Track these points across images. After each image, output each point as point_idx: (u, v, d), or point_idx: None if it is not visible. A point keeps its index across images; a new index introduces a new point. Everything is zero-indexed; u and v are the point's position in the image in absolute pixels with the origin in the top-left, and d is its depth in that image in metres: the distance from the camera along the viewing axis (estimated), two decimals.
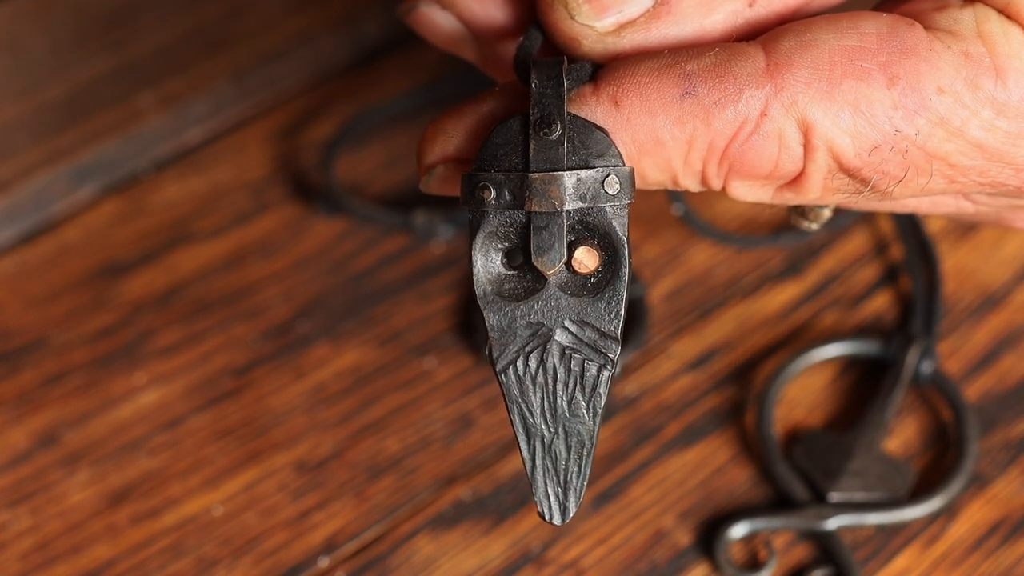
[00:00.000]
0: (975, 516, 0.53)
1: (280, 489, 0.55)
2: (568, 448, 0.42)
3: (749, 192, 0.43)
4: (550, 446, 0.42)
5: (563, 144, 0.40)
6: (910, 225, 0.61)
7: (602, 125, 0.41)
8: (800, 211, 0.47)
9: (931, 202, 0.46)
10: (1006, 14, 0.41)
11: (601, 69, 0.41)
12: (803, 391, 0.57)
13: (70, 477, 0.55)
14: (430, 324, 0.59)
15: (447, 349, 0.58)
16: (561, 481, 0.42)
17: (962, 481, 0.53)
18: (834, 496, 0.53)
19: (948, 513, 0.53)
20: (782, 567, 0.52)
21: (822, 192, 0.42)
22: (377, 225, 0.63)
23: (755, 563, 0.52)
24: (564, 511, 0.42)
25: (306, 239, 0.62)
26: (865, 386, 0.57)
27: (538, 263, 0.41)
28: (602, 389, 0.41)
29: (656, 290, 0.60)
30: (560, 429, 0.42)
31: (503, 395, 0.41)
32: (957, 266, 0.60)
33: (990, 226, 0.49)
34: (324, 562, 0.53)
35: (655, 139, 0.41)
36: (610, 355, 0.41)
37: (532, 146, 0.40)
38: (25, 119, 0.66)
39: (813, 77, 0.40)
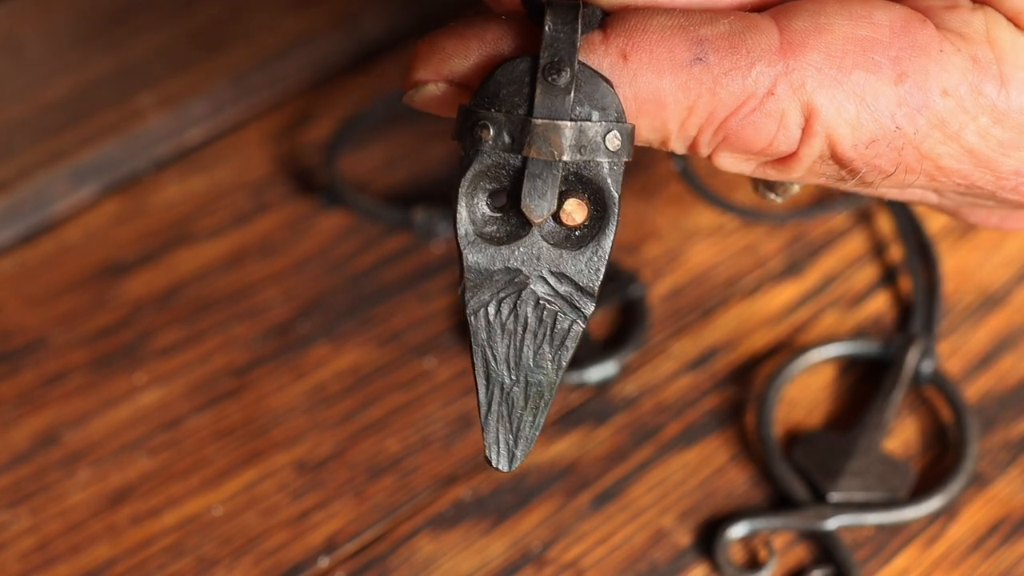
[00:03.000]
0: (975, 516, 0.53)
1: (280, 489, 0.55)
2: (526, 397, 0.41)
3: (734, 164, 0.42)
4: (508, 393, 0.41)
5: (570, 92, 0.39)
6: (910, 225, 0.61)
7: (607, 73, 0.40)
8: (770, 185, 0.46)
9: (901, 193, 0.46)
10: (1016, 23, 0.41)
11: (611, 17, 0.41)
12: (803, 391, 0.57)
13: (70, 477, 0.55)
14: (430, 324, 0.59)
15: (447, 349, 0.58)
16: (513, 428, 0.41)
17: (962, 481, 0.53)
18: (834, 496, 0.53)
19: (948, 513, 0.53)
20: (782, 567, 0.52)
21: (806, 174, 0.42)
22: (377, 224, 0.63)
23: (755, 563, 0.52)
24: (512, 458, 0.41)
25: (306, 239, 0.62)
26: (865, 386, 0.57)
27: (527, 210, 0.40)
28: (570, 343, 0.41)
29: (656, 290, 0.60)
30: (521, 378, 0.41)
31: (469, 337, 0.41)
32: (957, 266, 0.60)
33: (943, 214, 0.49)
34: (324, 562, 0.53)
35: (657, 99, 0.40)
36: (584, 311, 0.41)
37: (539, 90, 0.39)
38: (25, 119, 0.66)
39: (825, 63, 0.40)
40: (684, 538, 0.53)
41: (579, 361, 0.57)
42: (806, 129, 0.40)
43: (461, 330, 0.59)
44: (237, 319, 0.60)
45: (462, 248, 0.41)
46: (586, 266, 0.41)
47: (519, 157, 0.40)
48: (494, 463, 0.41)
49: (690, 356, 0.58)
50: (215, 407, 0.57)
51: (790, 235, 0.61)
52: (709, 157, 0.42)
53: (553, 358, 0.41)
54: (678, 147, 0.42)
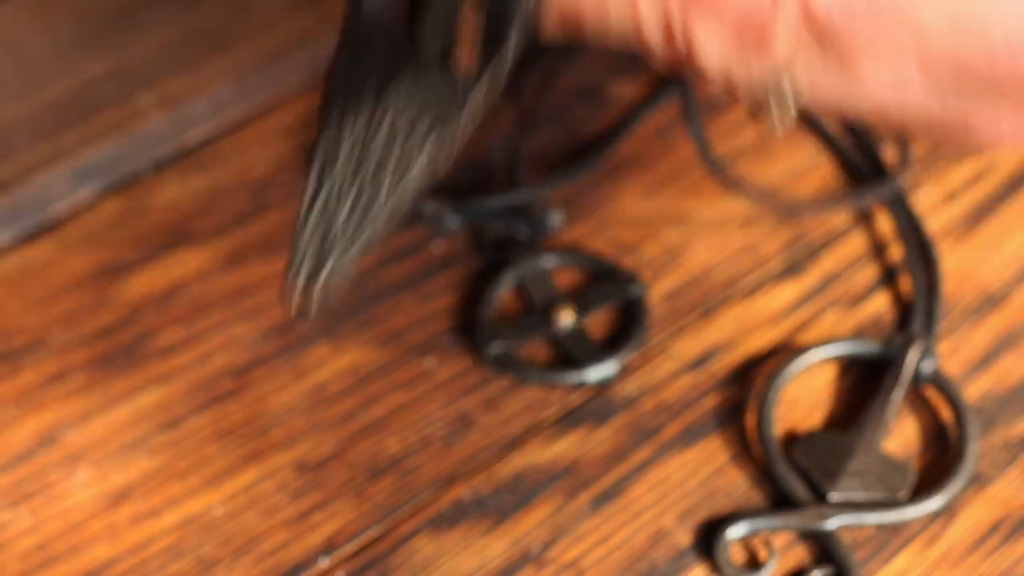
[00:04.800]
0: (975, 516, 0.53)
1: (280, 489, 0.55)
2: (353, 208, 0.38)
3: (714, 46, 0.41)
4: (332, 204, 0.38)
5: None
6: (910, 225, 0.61)
7: None
8: (766, 107, 0.45)
9: (899, 100, 0.44)
10: None
11: None
12: (803, 391, 0.57)
13: (70, 477, 0.55)
14: (430, 324, 0.59)
15: (447, 349, 0.58)
16: (325, 249, 0.38)
17: (962, 481, 0.53)
18: (834, 496, 0.53)
19: (948, 513, 0.53)
20: (782, 567, 0.52)
21: (787, 52, 0.41)
22: None
23: (755, 563, 0.52)
24: (309, 281, 0.38)
25: None
26: (865, 386, 0.57)
27: (424, 36, 0.38)
28: (411, 180, 0.38)
29: (656, 290, 0.60)
30: (357, 182, 0.38)
31: (318, 122, 0.38)
32: (957, 266, 0.60)
33: (956, 142, 0.47)
34: (324, 562, 0.53)
35: None
36: (438, 155, 0.38)
37: None
38: (25, 119, 0.66)
39: None
40: (684, 538, 0.53)
41: (579, 361, 0.57)
42: None
43: (461, 330, 0.59)
44: (237, 319, 0.60)
45: (344, 38, 0.39)
46: (455, 110, 0.38)
47: None
48: (290, 278, 0.38)
49: (690, 356, 0.58)
50: (215, 407, 0.57)
51: (790, 235, 0.61)
52: (689, 48, 0.41)
53: (391, 186, 0.38)
54: (653, 34, 0.41)
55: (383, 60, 0.38)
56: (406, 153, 0.38)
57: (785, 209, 0.61)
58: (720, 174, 0.60)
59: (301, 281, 0.37)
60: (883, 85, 0.44)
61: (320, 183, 0.37)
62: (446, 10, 0.38)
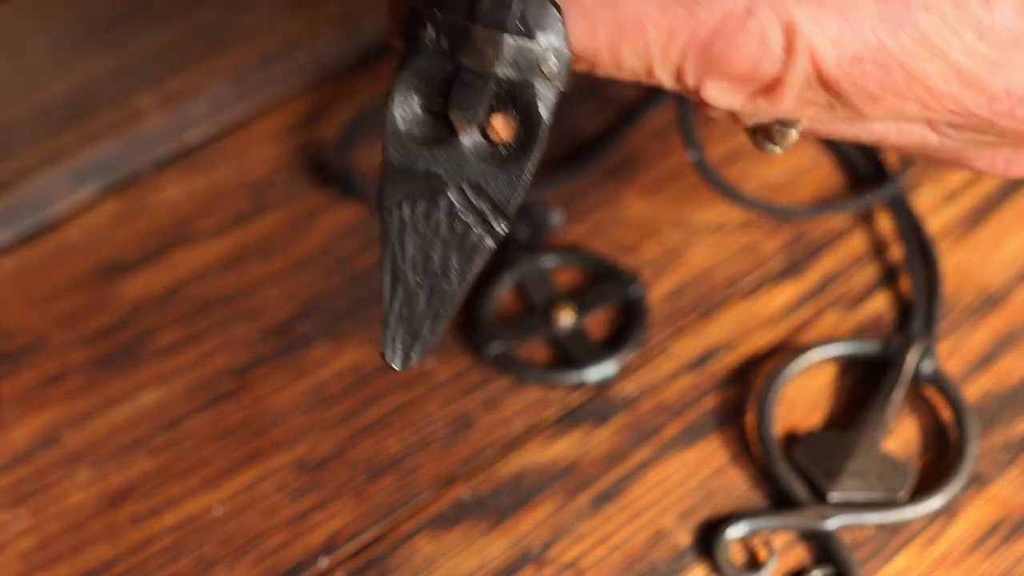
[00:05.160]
0: (975, 516, 0.53)
1: (280, 489, 0.55)
2: (428, 302, 0.41)
3: (723, 96, 0.42)
4: (412, 295, 0.41)
5: (511, 6, 0.39)
6: (910, 225, 0.61)
7: (588, 3, 0.39)
8: (767, 132, 0.46)
9: (898, 130, 0.45)
10: None
11: None
12: (803, 391, 0.57)
13: (70, 477, 0.55)
14: None
15: (447, 349, 0.58)
16: (412, 329, 0.41)
17: (962, 481, 0.53)
18: (834, 496, 0.53)
19: (948, 513, 0.53)
20: (782, 567, 0.52)
21: (796, 103, 0.42)
22: (377, 225, 0.62)
23: (755, 563, 0.52)
24: (406, 358, 0.42)
25: (306, 239, 0.62)
26: (865, 386, 0.57)
27: (454, 117, 0.39)
28: (478, 258, 0.41)
29: (656, 290, 0.60)
30: (426, 282, 0.41)
31: (381, 235, 0.41)
32: (957, 266, 0.60)
33: (949, 167, 0.49)
34: (324, 562, 0.53)
35: (638, 24, 0.40)
36: (496, 228, 0.40)
37: (483, 1, 0.39)
38: (25, 119, 0.66)
39: None
40: (684, 538, 0.53)
41: (579, 361, 0.57)
42: (788, 48, 0.40)
43: (461, 330, 0.59)
44: (237, 319, 0.60)
45: (386, 143, 0.40)
46: (505, 185, 0.40)
47: (453, 63, 0.39)
48: (387, 359, 0.42)
49: (690, 356, 0.58)
50: (215, 407, 0.57)
51: (790, 235, 0.61)
52: (699, 91, 0.42)
53: (459, 269, 0.41)
54: (664, 77, 0.41)
55: (428, 148, 0.40)
56: (467, 238, 0.41)
57: (784, 214, 0.61)
58: (719, 187, 0.60)
59: (398, 367, 0.42)
60: (887, 129, 0.45)
61: (395, 278, 0.41)
62: (475, 89, 0.39)
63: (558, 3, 0.39)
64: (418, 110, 0.40)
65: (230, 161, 0.66)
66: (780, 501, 0.54)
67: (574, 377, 0.57)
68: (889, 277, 0.60)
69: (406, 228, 0.41)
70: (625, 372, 0.57)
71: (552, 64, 0.40)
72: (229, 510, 0.54)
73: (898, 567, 0.52)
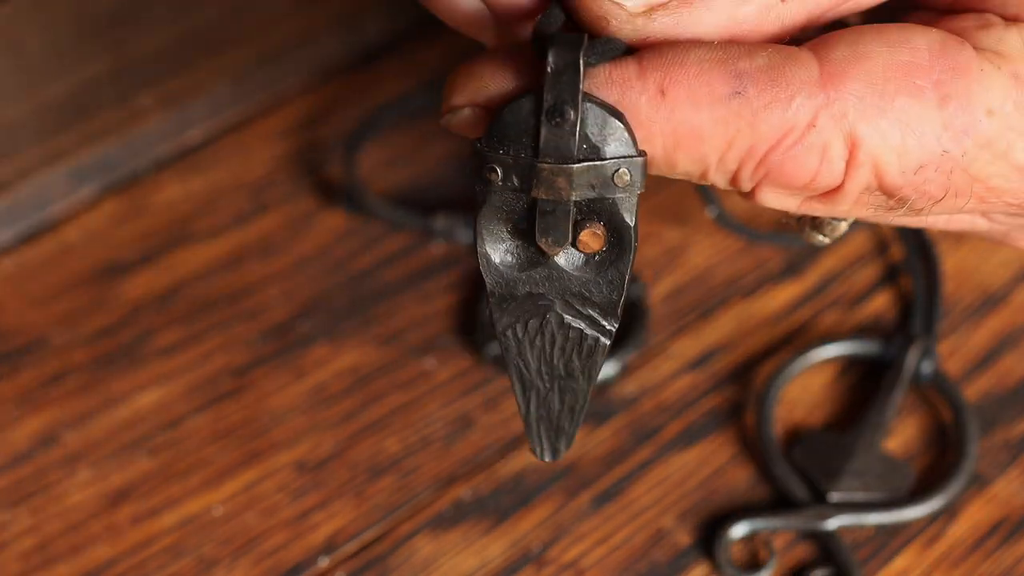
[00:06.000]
0: (975, 516, 0.53)
1: (280, 489, 0.55)
2: (562, 402, 0.43)
3: (777, 200, 0.42)
4: (544, 398, 0.43)
5: (575, 134, 0.39)
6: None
7: (644, 112, 0.39)
8: (816, 224, 0.46)
9: (947, 219, 0.45)
10: None
11: (646, 51, 0.40)
12: (803, 391, 0.57)
13: (70, 477, 0.55)
14: (430, 324, 0.59)
15: (447, 349, 0.58)
16: (554, 426, 0.43)
17: (962, 481, 0.53)
18: (834, 496, 0.53)
19: (948, 513, 0.53)
20: (782, 567, 0.52)
21: (853, 206, 0.42)
22: (377, 225, 0.63)
23: (755, 563, 0.52)
24: (555, 451, 0.44)
25: (306, 239, 0.62)
26: (865, 386, 0.57)
27: (542, 243, 0.40)
28: (598, 357, 0.42)
29: (656, 290, 0.60)
30: (555, 386, 0.43)
31: (503, 353, 0.42)
32: (957, 266, 0.60)
33: (993, 243, 0.49)
34: (324, 562, 0.53)
35: (695, 133, 0.39)
36: (608, 327, 0.41)
37: (543, 132, 0.39)
38: (25, 119, 0.66)
39: (866, 91, 0.39)
40: (684, 538, 0.53)
41: None
42: (850, 160, 0.40)
43: (461, 330, 0.59)
44: (237, 319, 0.60)
45: (485, 274, 0.41)
46: (606, 288, 0.41)
47: (529, 198, 0.40)
48: (538, 454, 0.44)
49: (690, 356, 0.58)
50: (215, 407, 0.57)
51: (790, 235, 0.61)
52: (752, 193, 0.41)
53: (583, 370, 0.42)
54: (719, 181, 0.41)
55: (525, 271, 0.42)
56: (583, 342, 0.42)
57: (808, 248, 0.61)
58: (743, 233, 0.60)
59: (549, 456, 0.44)
60: (937, 219, 0.45)
61: (525, 388, 0.43)
62: (557, 216, 0.40)
63: (617, 110, 0.39)
64: (507, 240, 0.41)
65: (230, 161, 0.66)
66: (780, 501, 0.54)
67: None
68: (889, 277, 0.60)
69: (523, 346, 0.42)
70: (625, 372, 0.57)
71: (626, 175, 0.40)
72: (229, 510, 0.54)
73: (898, 567, 0.52)
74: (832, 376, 0.57)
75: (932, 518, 0.53)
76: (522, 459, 0.55)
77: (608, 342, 0.42)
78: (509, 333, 0.42)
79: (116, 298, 0.60)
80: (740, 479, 0.54)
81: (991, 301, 0.59)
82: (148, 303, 0.60)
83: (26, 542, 0.53)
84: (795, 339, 0.58)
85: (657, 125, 0.39)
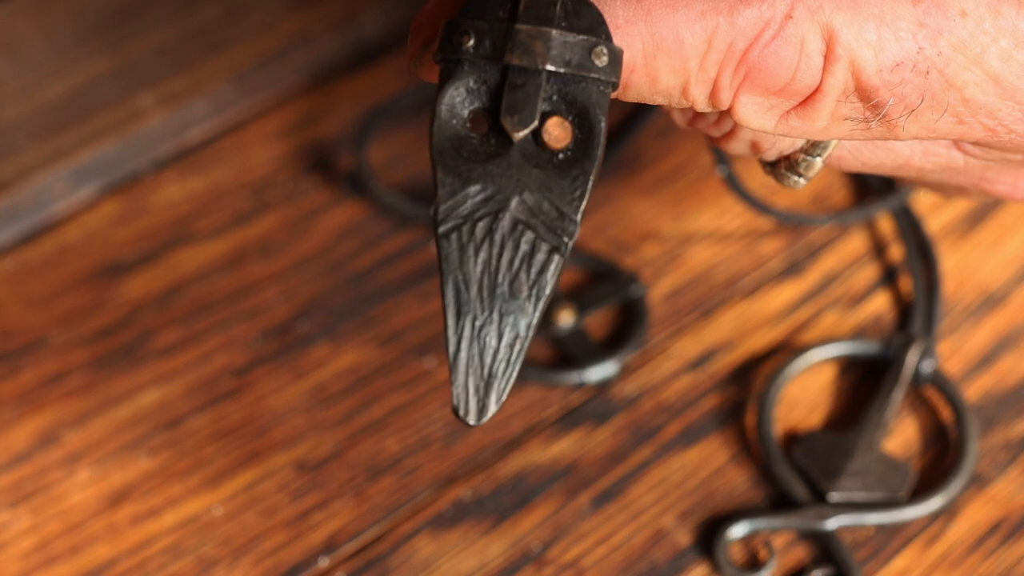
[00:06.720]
0: (975, 516, 0.53)
1: (280, 489, 0.55)
2: (499, 336, 0.38)
3: (756, 113, 0.41)
4: (480, 330, 0.38)
5: (555, 5, 0.38)
6: (910, 225, 0.61)
7: (621, 15, 0.38)
8: (791, 163, 0.45)
9: (924, 151, 0.45)
10: None
11: None
12: (803, 391, 0.57)
13: (70, 477, 0.55)
14: (430, 324, 0.59)
15: (447, 349, 0.58)
16: (484, 373, 0.38)
17: (962, 481, 0.53)
18: (834, 496, 0.53)
19: (948, 513, 0.53)
20: (782, 567, 0.52)
21: (831, 120, 0.41)
22: (377, 224, 0.63)
23: (755, 563, 0.52)
24: (482, 409, 0.38)
25: (306, 239, 0.62)
26: (865, 386, 0.57)
27: (507, 122, 0.38)
28: (549, 275, 0.38)
29: (656, 290, 0.60)
30: (495, 312, 0.38)
31: (439, 263, 0.38)
32: (957, 266, 0.60)
33: (966, 194, 0.48)
34: (324, 562, 0.53)
35: (675, 36, 0.39)
36: (565, 238, 0.38)
37: (522, 2, 0.38)
38: (25, 119, 0.66)
39: None
40: (684, 538, 0.53)
41: (579, 361, 0.57)
42: (828, 55, 0.40)
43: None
44: (237, 319, 0.60)
45: (436, 163, 0.38)
46: (568, 189, 0.38)
47: (498, 71, 0.38)
48: (461, 414, 0.38)
49: (690, 356, 0.58)
50: (215, 407, 0.57)
51: (790, 235, 0.61)
52: (732, 108, 0.41)
53: (531, 290, 0.38)
54: (699, 95, 0.41)
55: (482, 164, 0.38)
56: (535, 252, 0.38)
57: (816, 223, 0.61)
58: (750, 202, 0.60)
59: (473, 422, 0.38)
60: (913, 150, 0.45)
61: (460, 312, 0.38)
62: (527, 90, 0.38)
63: (596, 7, 0.38)
64: (467, 126, 0.39)
65: (230, 161, 0.66)
66: (780, 501, 0.54)
67: (574, 377, 0.57)
68: (889, 277, 0.60)
69: (466, 252, 0.38)
70: (625, 372, 0.57)
71: (603, 55, 0.38)
72: (229, 510, 0.54)
73: (898, 567, 0.52)
74: (832, 376, 0.57)
75: (932, 518, 0.53)
76: (522, 459, 0.55)
77: (561, 259, 0.38)
78: (453, 237, 0.38)
79: (116, 298, 0.60)
80: (740, 479, 0.54)
81: (991, 301, 0.59)
82: (148, 303, 0.60)
83: (26, 542, 0.53)
84: (795, 339, 0.58)
85: (636, 29, 0.39)
